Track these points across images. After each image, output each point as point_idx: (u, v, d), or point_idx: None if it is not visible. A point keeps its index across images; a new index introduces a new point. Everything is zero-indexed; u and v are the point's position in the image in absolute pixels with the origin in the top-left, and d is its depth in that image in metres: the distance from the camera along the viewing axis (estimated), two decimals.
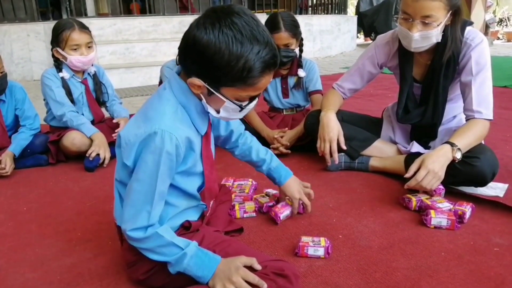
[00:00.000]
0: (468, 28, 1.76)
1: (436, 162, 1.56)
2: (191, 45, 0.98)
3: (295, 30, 2.34)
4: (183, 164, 1.12)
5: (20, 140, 2.29)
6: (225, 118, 1.12)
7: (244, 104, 1.07)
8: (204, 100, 1.07)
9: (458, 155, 1.59)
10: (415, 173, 1.58)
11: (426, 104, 1.86)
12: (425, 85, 1.86)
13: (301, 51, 2.46)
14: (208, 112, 1.11)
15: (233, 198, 1.67)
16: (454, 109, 1.92)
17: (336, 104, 2.07)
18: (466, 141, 1.64)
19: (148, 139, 1.02)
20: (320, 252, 1.32)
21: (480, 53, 1.72)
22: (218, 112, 1.09)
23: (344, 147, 1.93)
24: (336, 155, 1.91)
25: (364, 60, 2.04)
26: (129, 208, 1.07)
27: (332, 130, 1.92)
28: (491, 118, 1.71)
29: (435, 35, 1.67)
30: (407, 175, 1.60)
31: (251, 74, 0.97)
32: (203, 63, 0.98)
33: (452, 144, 1.60)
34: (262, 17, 2.73)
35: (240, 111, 1.09)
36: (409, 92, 1.91)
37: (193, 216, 1.26)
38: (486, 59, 1.72)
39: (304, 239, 1.36)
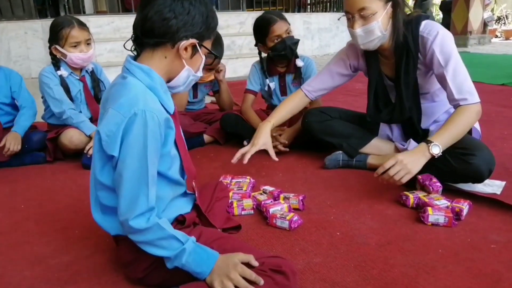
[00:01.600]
0: (424, 22, 1.76)
1: (409, 156, 1.59)
2: (180, 13, 1.09)
3: (287, 20, 2.41)
4: (165, 145, 1.11)
5: (22, 121, 2.33)
6: (197, 79, 1.23)
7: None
8: (186, 66, 1.15)
9: (436, 150, 1.58)
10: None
11: (397, 101, 1.89)
12: (395, 83, 1.89)
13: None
14: (172, 87, 1.19)
15: (231, 195, 1.67)
16: (438, 107, 1.91)
17: (284, 114, 2.08)
18: (447, 134, 1.62)
19: (130, 122, 1.01)
20: (285, 224, 1.48)
21: (442, 43, 1.71)
22: (196, 71, 1.20)
23: (275, 159, 1.91)
24: (248, 156, 1.84)
25: (336, 60, 2.06)
26: (123, 198, 1.04)
27: (260, 139, 1.91)
28: (478, 100, 1.69)
29: (376, 27, 1.70)
30: (379, 171, 1.60)
31: (217, 25, 1.20)
32: (196, 24, 1.11)
33: (427, 142, 1.60)
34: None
35: (211, 63, 1.31)
36: (378, 91, 1.94)
37: (185, 208, 1.26)
38: (451, 47, 1.71)
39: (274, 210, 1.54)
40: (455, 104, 1.70)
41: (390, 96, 1.95)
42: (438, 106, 1.90)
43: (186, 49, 1.12)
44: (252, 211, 1.62)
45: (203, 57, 1.18)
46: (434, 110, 1.91)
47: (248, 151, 1.85)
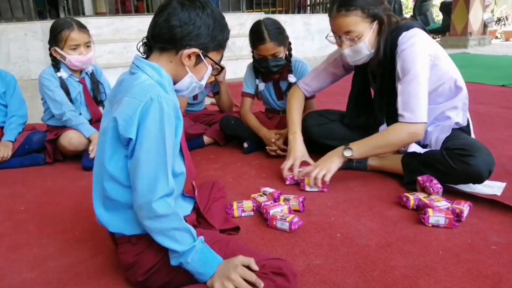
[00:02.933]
0: (404, 33, 1.74)
1: (324, 161, 1.81)
2: (186, 23, 1.12)
3: (280, 38, 2.28)
4: (176, 134, 1.12)
5: (12, 129, 2.41)
6: (202, 87, 1.26)
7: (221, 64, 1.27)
8: (189, 73, 1.18)
9: (347, 153, 1.76)
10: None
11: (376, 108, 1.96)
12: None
13: (290, 55, 2.41)
14: (177, 91, 1.21)
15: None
16: (433, 110, 1.87)
17: (299, 117, 2.12)
18: (365, 143, 1.77)
19: (147, 106, 1.04)
20: (286, 226, 1.49)
21: (406, 57, 1.70)
22: (200, 80, 1.22)
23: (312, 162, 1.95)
24: (296, 170, 1.91)
25: (332, 60, 2.10)
26: (141, 181, 1.03)
27: (297, 151, 1.98)
28: (418, 121, 1.69)
29: (364, 47, 1.76)
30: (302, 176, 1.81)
31: (226, 39, 1.23)
32: (201, 35, 1.14)
33: (345, 145, 1.77)
34: (261, 17, 2.72)
35: (217, 74, 1.32)
36: (358, 97, 2.05)
37: (185, 210, 1.26)
38: (414, 62, 1.69)
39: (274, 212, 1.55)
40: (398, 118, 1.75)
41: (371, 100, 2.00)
42: (433, 110, 1.89)
43: (189, 57, 1.15)
44: (252, 213, 1.62)
45: (209, 67, 1.21)
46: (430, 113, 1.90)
47: (293, 164, 1.93)
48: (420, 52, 1.70)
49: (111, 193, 1.11)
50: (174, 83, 1.19)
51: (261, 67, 2.37)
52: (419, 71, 1.69)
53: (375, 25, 1.73)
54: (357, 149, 1.75)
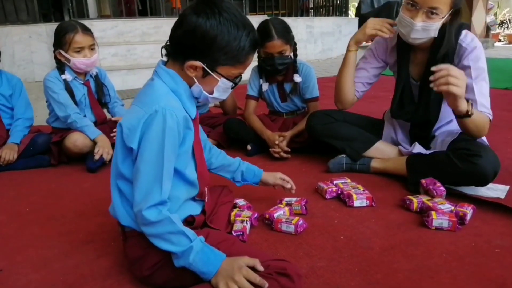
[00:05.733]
0: (464, 31, 1.78)
1: (460, 75, 1.56)
2: (191, 31, 1.08)
3: (287, 37, 2.32)
4: (183, 144, 1.16)
5: (18, 132, 2.41)
6: (216, 98, 1.21)
7: (237, 80, 1.19)
8: (197, 83, 1.15)
9: (471, 109, 1.63)
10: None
11: (421, 102, 1.89)
12: (422, 83, 1.88)
13: (295, 55, 2.44)
14: (195, 98, 1.19)
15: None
16: (451, 111, 1.91)
17: (350, 82, 2.08)
18: (476, 113, 1.66)
19: (150, 119, 1.07)
20: (291, 228, 1.47)
21: (477, 57, 1.75)
22: (210, 93, 1.18)
23: (394, 22, 1.90)
24: (388, 20, 1.91)
25: (364, 58, 2.08)
26: (138, 190, 1.09)
27: (365, 24, 1.97)
28: (491, 118, 1.75)
29: (434, 29, 1.72)
30: (437, 67, 1.57)
31: (244, 52, 1.12)
32: (204, 46, 1.09)
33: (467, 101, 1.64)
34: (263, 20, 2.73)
35: (232, 88, 1.20)
36: (405, 88, 1.95)
37: (195, 210, 1.29)
38: (484, 64, 1.76)
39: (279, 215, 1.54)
40: None
41: (414, 96, 1.96)
42: (449, 110, 1.90)
43: (195, 68, 1.12)
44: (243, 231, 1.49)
45: (221, 80, 1.16)
46: (446, 115, 1.92)
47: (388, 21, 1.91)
48: (483, 53, 1.77)
49: (124, 190, 1.17)
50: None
51: (267, 65, 2.38)
52: (487, 72, 1.76)
53: (450, 13, 1.71)
54: (473, 111, 1.65)
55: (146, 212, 1.07)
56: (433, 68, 1.58)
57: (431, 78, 1.58)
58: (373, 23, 1.93)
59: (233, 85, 1.19)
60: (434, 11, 1.68)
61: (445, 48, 1.76)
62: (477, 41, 1.78)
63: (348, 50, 2.06)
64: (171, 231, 1.09)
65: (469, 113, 1.63)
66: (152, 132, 1.07)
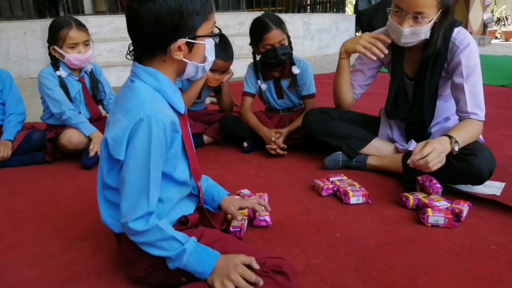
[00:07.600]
0: (457, 29, 1.77)
1: (440, 144, 1.57)
2: (157, 20, 1.02)
3: (284, 27, 2.37)
4: (171, 148, 1.12)
5: (11, 128, 2.39)
6: (211, 62, 1.17)
7: (217, 32, 1.17)
8: (188, 62, 1.11)
9: (456, 147, 1.61)
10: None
11: (415, 101, 1.89)
12: (416, 82, 1.89)
13: (290, 48, 2.43)
14: (180, 89, 1.13)
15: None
16: (447, 108, 1.93)
17: (347, 88, 2.09)
18: (463, 136, 1.66)
19: (135, 128, 1.03)
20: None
21: (470, 55, 1.73)
22: (204, 61, 1.14)
23: (388, 40, 1.86)
24: (383, 37, 1.86)
25: (361, 56, 2.05)
26: (125, 201, 1.06)
27: (360, 37, 1.93)
28: (484, 119, 1.74)
29: (424, 31, 1.71)
30: (412, 158, 1.56)
31: (208, 2, 1.09)
32: (176, 21, 1.04)
33: (450, 137, 1.62)
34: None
35: (215, 44, 1.16)
36: (399, 88, 1.95)
37: (189, 209, 1.26)
38: (476, 61, 1.75)
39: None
40: (465, 116, 1.74)
41: (408, 95, 1.95)
42: (444, 108, 1.92)
43: (179, 48, 1.07)
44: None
45: (206, 42, 1.11)
46: (441, 112, 1.92)
47: (379, 38, 1.87)
48: (477, 51, 1.76)
49: (112, 200, 1.15)
50: (180, 75, 1.16)
51: (269, 58, 2.37)
52: (480, 70, 1.75)
53: (439, 13, 1.70)
54: (460, 141, 1.63)
55: (133, 224, 1.05)
56: (409, 163, 1.58)
57: (411, 166, 1.58)
58: (366, 40, 1.89)
59: (218, 38, 1.16)
60: (420, 16, 1.67)
61: (432, 48, 1.75)
62: (470, 38, 1.77)
63: (340, 58, 2.06)
64: (161, 238, 1.07)
65: (454, 153, 1.61)
66: (137, 142, 1.03)
